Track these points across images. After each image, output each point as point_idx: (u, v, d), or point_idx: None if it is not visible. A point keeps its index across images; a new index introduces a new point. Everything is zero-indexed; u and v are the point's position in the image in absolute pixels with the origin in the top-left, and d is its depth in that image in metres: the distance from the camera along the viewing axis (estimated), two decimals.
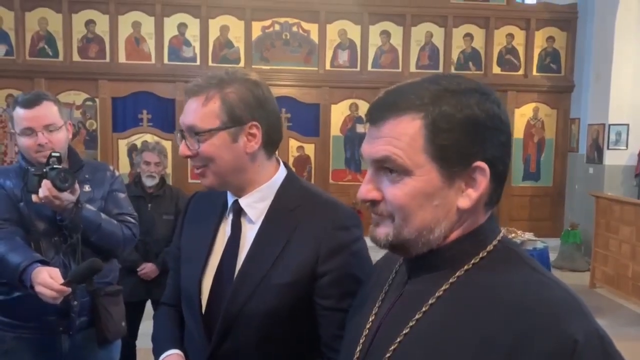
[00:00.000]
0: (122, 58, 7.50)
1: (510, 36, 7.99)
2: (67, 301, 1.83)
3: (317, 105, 7.81)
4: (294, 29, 7.75)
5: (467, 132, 0.80)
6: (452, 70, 7.81)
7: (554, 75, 8.05)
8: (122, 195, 2.12)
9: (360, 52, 7.81)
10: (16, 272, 1.71)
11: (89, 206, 1.94)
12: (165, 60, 7.58)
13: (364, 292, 1.03)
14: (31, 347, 1.93)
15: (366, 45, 7.80)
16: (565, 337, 0.71)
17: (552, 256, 6.14)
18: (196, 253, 1.30)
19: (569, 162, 8.13)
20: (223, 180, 1.25)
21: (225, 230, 1.30)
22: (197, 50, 7.60)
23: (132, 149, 7.37)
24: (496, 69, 7.99)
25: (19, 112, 1.91)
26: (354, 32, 7.80)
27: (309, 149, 7.83)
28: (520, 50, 8.01)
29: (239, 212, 1.28)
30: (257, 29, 7.69)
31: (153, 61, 7.54)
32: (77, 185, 1.87)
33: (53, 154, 1.86)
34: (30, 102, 1.91)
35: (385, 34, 7.83)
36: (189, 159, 1.26)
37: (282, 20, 7.71)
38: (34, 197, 1.83)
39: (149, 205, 3.44)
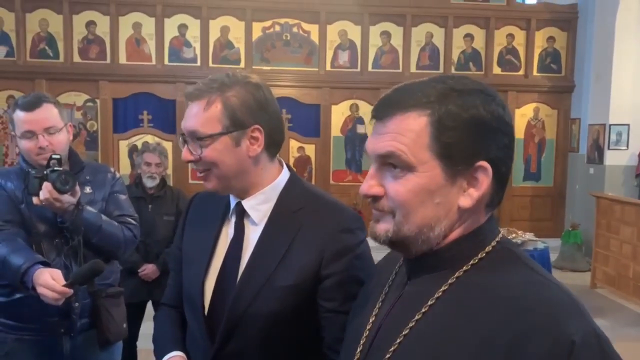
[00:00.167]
0: (122, 59, 7.50)
1: (511, 36, 7.99)
2: (69, 303, 1.84)
3: (318, 106, 7.81)
4: (295, 29, 7.76)
5: (472, 132, 0.81)
6: (453, 71, 7.81)
7: (555, 76, 8.05)
8: (122, 197, 2.13)
9: (361, 52, 7.81)
10: (18, 273, 1.71)
11: (89, 208, 1.94)
12: (166, 61, 7.58)
13: (365, 292, 1.04)
14: (32, 349, 1.93)
15: (366, 45, 7.80)
16: (563, 338, 0.72)
17: (553, 256, 6.14)
18: (198, 255, 1.30)
19: (569, 162, 8.13)
20: (226, 183, 1.25)
21: (227, 232, 1.30)
22: (198, 51, 7.61)
23: (132, 150, 7.37)
24: (496, 69, 7.99)
25: (19, 115, 1.91)
26: (354, 33, 7.81)
27: (310, 150, 7.83)
28: (521, 51, 8.01)
29: (241, 214, 1.28)
30: (257, 29, 7.69)
31: (154, 62, 7.55)
32: (77, 188, 1.87)
33: (54, 156, 1.86)
34: (31, 105, 1.91)
35: (386, 35, 7.83)
36: (190, 164, 1.26)
37: (282, 21, 7.71)
38: (34, 200, 1.83)
39: (150, 206, 3.45)
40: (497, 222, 0.91)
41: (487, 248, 0.85)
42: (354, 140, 7.86)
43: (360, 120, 7.85)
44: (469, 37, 7.93)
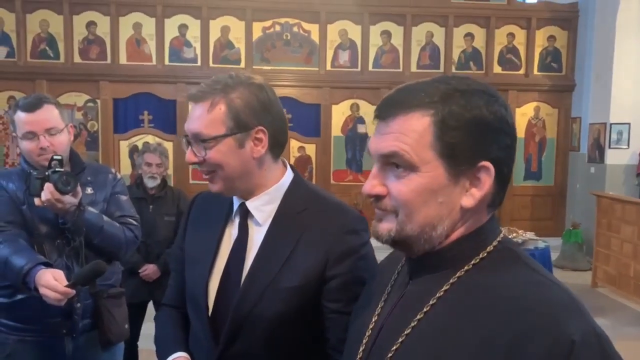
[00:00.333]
0: (123, 59, 7.51)
1: (511, 35, 7.98)
2: (71, 303, 1.84)
3: (318, 106, 7.81)
4: (295, 29, 7.76)
5: (475, 132, 0.81)
6: (453, 70, 7.80)
7: (555, 75, 8.05)
8: (124, 198, 2.13)
9: (361, 52, 7.81)
10: (20, 274, 1.71)
11: (91, 209, 1.94)
12: (166, 62, 7.58)
13: (368, 292, 1.04)
14: (34, 350, 1.93)
15: (367, 45, 7.80)
16: (563, 337, 0.72)
17: (554, 256, 6.14)
18: (202, 255, 1.30)
19: (570, 161, 8.12)
20: (231, 185, 1.24)
21: (231, 233, 1.30)
22: (198, 51, 7.61)
23: (133, 150, 7.37)
24: (497, 69, 7.98)
25: (20, 116, 1.91)
26: (354, 32, 7.81)
27: (310, 150, 7.83)
28: (521, 50, 8.00)
29: (245, 214, 1.28)
30: (257, 29, 7.69)
31: (154, 62, 7.55)
32: (79, 188, 1.87)
33: (55, 157, 1.87)
34: (31, 106, 1.91)
35: (386, 34, 7.83)
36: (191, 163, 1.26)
37: (282, 20, 7.71)
38: (36, 201, 1.83)
39: (151, 206, 3.45)
40: (498, 221, 0.91)
41: (489, 248, 0.85)
42: (355, 140, 7.86)
43: (361, 120, 7.85)
44: (469, 36, 7.93)
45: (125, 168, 7.39)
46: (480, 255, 0.85)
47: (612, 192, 6.58)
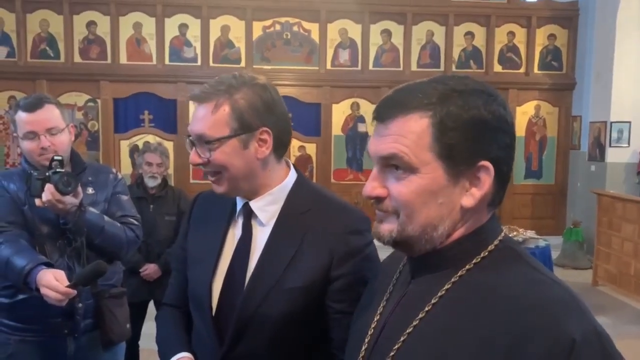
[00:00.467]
0: (123, 59, 7.51)
1: (512, 34, 7.98)
2: (72, 304, 1.84)
3: (318, 105, 7.81)
4: (295, 28, 7.76)
5: (473, 132, 0.81)
6: (453, 69, 7.81)
7: (556, 73, 8.05)
8: (125, 198, 2.13)
9: (361, 51, 7.81)
10: (21, 274, 1.71)
11: (92, 209, 1.94)
12: (167, 61, 7.58)
13: (370, 291, 1.04)
14: (36, 350, 1.93)
15: (367, 44, 7.80)
16: (563, 337, 0.72)
17: (555, 254, 6.14)
18: (205, 255, 1.29)
19: (570, 160, 8.12)
20: (235, 186, 1.24)
21: (234, 233, 1.30)
22: (198, 51, 7.61)
23: (134, 150, 7.37)
24: (497, 67, 7.99)
25: (21, 115, 1.92)
26: (354, 31, 7.81)
27: (311, 149, 7.84)
28: (522, 48, 8.00)
29: (249, 214, 1.28)
30: (257, 28, 7.69)
31: (154, 62, 7.56)
32: (80, 189, 1.87)
33: (55, 158, 1.87)
34: (32, 106, 1.91)
35: (386, 33, 7.83)
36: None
37: (282, 20, 7.71)
38: (37, 202, 1.83)
39: (151, 206, 3.45)
40: (498, 220, 0.91)
41: (490, 247, 0.86)
42: (355, 139, 7.86)
43: (361, 119, 7.85)
44: (469, 35, 7.93)
45: (125, 168, 7.39)
46: (482, 255, 0.85)
47: (613, 191, 6.58)
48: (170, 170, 6.70)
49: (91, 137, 7.56)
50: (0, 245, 1.80)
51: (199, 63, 7.61)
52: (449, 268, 0.85)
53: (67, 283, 1.65)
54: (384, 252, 1.08)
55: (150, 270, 3.40)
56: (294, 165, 1.35)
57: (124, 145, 7.60)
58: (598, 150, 7.42)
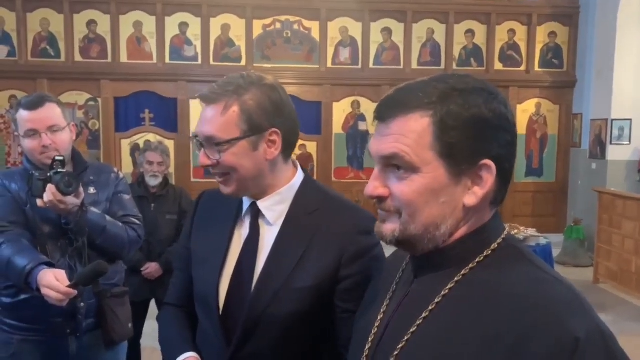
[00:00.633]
0: (123, 58, 7.51)
1: (512, 32, 7.97)
2: (74, 303, 1.84)
3: (319, 103, 7.80)
4: (295, 27, 7.75)
5: (474, 131, 0.81)
6: (454, 67, 7.79)
7: (556, 71, 8.03)
8: (126, 197, 2.12)
9: (362, 49, 7.80)
10: (22, 274, 1.71)
11: (93, 209, 1.94)
12: (167, 60, 7.58)
13: (373, 289, 1.04)
14: (38, 350, 1.93)
15: (367, 42, 7.79)
16: (566, 336, 0.72)
17: (556, 252, 6.14)
18: (211, 254, 1.29)
19: (571, 157, 8.11)
20: (243, 187, 1.24)
21: (241, 232, 1.29)
22: (199, 49, 7.60)
23: (134, 149, 7.37)
24: (498, 65, 7.97)
25: (23, 114, 1.92)
26: (355, 30, 7.80)
27: (311, 147, 7.83)
28: (522, 46, 7.99)
29: (256, 214, 1.27)
30: (258, 27, 7.68)
31: (155, 60, 7.55)
32: (81, 189, 1.87)
33: (57, 158, 1.86)
34: (33, 104, 1.91)
35: (387, 31, 7.82)
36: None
37: (283, 18, 7.70)
38: (38, 202, 1.83)
39: (152, 205, 3.45)
40: (501, 218, 0.91)
41: (493, 245, 0.85)
42: (356, 138, 7.86)
43: (362, 117, 7.84)
44: (470, 33, 7.91)
45: (126, 167, 7.40)
46: (485, 253, 0.85)
47: (614, 188, 6.57)
48: (171, 169, 6.70)
49: (92, 136, 7.56)
50: (1, 245, 1.80)
51: (199, 62, 7.60)
52: (452, 267, 0.85)
53: (68, 283, 1.65)
54: (388, 251, 1.08)
55: (151, 269, 3.40)
56: (301, 165, 1.35)
57: (125, 144, 7.60)
58: (599, 148, 7.42)
